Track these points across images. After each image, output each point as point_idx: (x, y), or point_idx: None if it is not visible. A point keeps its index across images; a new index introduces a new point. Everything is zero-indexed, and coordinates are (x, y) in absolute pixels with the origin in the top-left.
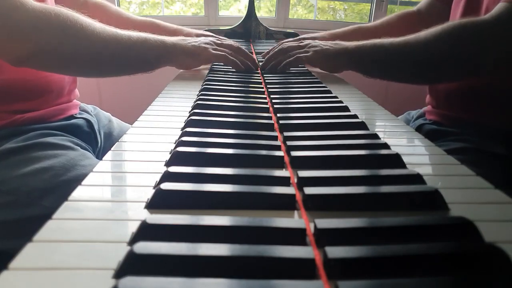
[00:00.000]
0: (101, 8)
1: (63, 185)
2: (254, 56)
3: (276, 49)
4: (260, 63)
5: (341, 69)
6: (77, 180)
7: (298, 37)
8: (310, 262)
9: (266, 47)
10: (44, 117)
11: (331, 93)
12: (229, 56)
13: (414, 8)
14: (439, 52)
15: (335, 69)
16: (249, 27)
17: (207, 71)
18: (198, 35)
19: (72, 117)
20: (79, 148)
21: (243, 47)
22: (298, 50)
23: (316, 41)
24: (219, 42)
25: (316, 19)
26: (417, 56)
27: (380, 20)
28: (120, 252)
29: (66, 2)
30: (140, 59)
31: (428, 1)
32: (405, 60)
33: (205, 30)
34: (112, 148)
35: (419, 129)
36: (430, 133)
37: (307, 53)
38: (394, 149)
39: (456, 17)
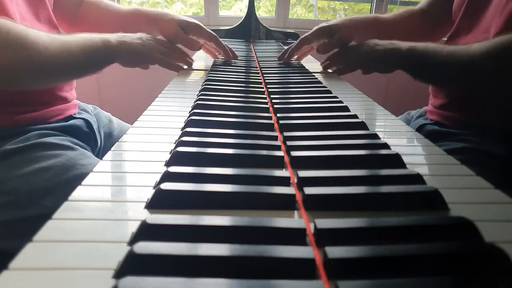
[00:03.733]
0: (96, 6)
1: (63, 184)
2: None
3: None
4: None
5: (391, 70)
6: (78, 180)
7: (335, 21)
8: (310, 262)
9: (266, 47)
10: (43, 117)
11: (331, 93)
12: (169, 61)
13: (417, 6)
14: (488, 68)
15: (387, 69)
16: (249, 27)
17: (206, 71)
18: (187, 23)
19: (71, 117)
20: (78, 147)
21: (244, 47)
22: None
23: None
24: (159, 40)
25: (316, 19)
26: (468, 68)
27: (393, 13)
28: (120, 252)
29: (68, 2)
30: (84, 62)
31: (429, 0)
32: (456, 70)
33: None
34: (112, 148)
35: (420, 129)
36: (432, 133)
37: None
38: (394, 149)
39: (457, 17)
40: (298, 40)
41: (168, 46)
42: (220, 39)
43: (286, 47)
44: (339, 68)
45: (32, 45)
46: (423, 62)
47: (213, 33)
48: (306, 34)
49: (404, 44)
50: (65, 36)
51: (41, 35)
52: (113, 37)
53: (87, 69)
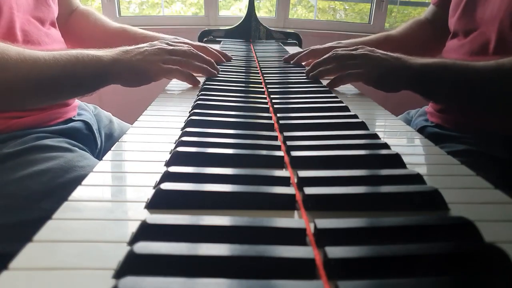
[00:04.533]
0: (85, 16)
1: (61, 187)
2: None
3: (327, 56)
4: (267, 73)
5: (399, 89)
6: (76, 182)
7: (348, 41)
8: (310, 262)
9: (266, 47)
10: (41, 121)
11: (331, 93)
12: (183, 70)
13: (422, 16)
14: None
15: (391, 88)
16: (249, 27)
17: None
18: (171, 43)
19: (70, 120)
20: (77, 149)
21: (244, 47)
22: (351, 61)
23: (375, 50)
24: (170, 48)
25: (316, 19)
26: (494, 85)
27: (402, 27)
28: (120, 252)
29: (60, 9)
30: (73, 82)
31: (432, 9)
32: (483, 87)
33: (204, 31)
34: (112, 148)
35: (421, 131)
36: (433, 136)
37: (360, 69)
38: (394, 149)
39: (452, 25)
40: (308, 49)
41: (182, 53)
42: (219, 41)
43: (288, 49)
44: (337, 78)
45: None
46: (442, 82)
47: (202, 44)
48: (318, 47)
49: (415, 61)
50: (46, 53)
51: (7, 49)
52: (106, 53)
53: (71, 89)
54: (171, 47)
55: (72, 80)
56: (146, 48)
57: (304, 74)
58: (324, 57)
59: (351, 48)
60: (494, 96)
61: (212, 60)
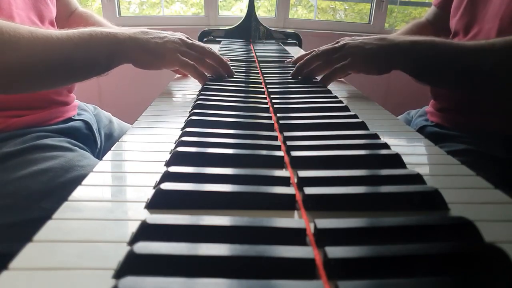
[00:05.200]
0: (84, 18)
1: (62, 186)
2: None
3: (310, 56)
4: (268, 73)
5: (389, 70)
6: (76, 181)
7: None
8: (310, 262)
9: (266, 47)
10: (41, 120)
11: (331, 93)
12: (197, 68)
13: (422, 18)
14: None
15: (382, 70)
16: (249, 27)
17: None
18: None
19: (70, 119)
20: (77, 148)
21: (244, 47)
22: (335, 55)
23: (356, 38)
24: (190, 42)
25: (316, 19)
26: (488, 64)
27: (402, 29)
28: (120, 252)
29: (59, 11)
30: (86, 61)
31: (433, 10)
32: (474, 65)
33: (204, 31)
34: (112, 148)
35: (421, 130)
36: (433, 135)
37: (345, 61)
38: (394, 149)
39: (453, 25)
40: (310, 54)
41: (201, 51)
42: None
43: (288, 48)
44: (326, 77)
45: (26, 45)
46: (433, 59)
47: (208, 47)
48: (322, 49)
49: (404, 39)
50: (59, 31)
51: (36, 32)
52: (122, 31)
53: (84, 68)
54: (191, 41)
55: (86, 59)
56: (167, 35)
57: None
58: (306, 58)
59: (332, 43)
60: (485, 75)
61: (228, 63)
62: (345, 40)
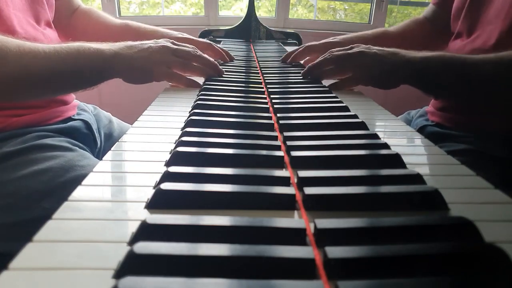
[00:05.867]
0: (87, 15)
1: (62, 186)
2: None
3: (323, 58)
4: (269, 74)
5: (398, 85)
6: (76, 181)
7: (344, 36)
8: (310, 262)
9: (266, 47)
10: (41, 120)
11: (331, 93)
12: (184, 77)
13: (421, 15)
14: None
15: (392, 87)
16: (249, 27)
17: None
18: (178, 39)
19: (70, 119)
20: (77, 148)
21: (244, 47)
22: (348, 63)
23: (371, 47)
24: (174, 48)
25: (316, 19)
26: (497, 78)
27: (400, 25)
28: (120, 252)
29: (61, 10)
30: (74, 75)
31: (431, 8)
32: (486, 80)
33: (204, 30)
34: (112, 148)
35: (421, 130)
36: (433, 135)
37: (357, 73)
38: (394, 149)
39: (456, 27)
40: (303, 46)
41: (186, 56)
42: (219, 41)
43: (288, 48)
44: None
45: (13, 58)
46: (443, 75)
47: (207, 41)
48: (313, 43)
49: (414, 55)
50: (47, 45)
51: (23, 46)
52: (109, 47)
53: (71, 82)
54: (175, 47)
55: (73, 73)
56: (151, 45)
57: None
58: (319, 59)
59: (346, 47)
60: (492, 90)
61: (216, 63)
62: (360, 47)
